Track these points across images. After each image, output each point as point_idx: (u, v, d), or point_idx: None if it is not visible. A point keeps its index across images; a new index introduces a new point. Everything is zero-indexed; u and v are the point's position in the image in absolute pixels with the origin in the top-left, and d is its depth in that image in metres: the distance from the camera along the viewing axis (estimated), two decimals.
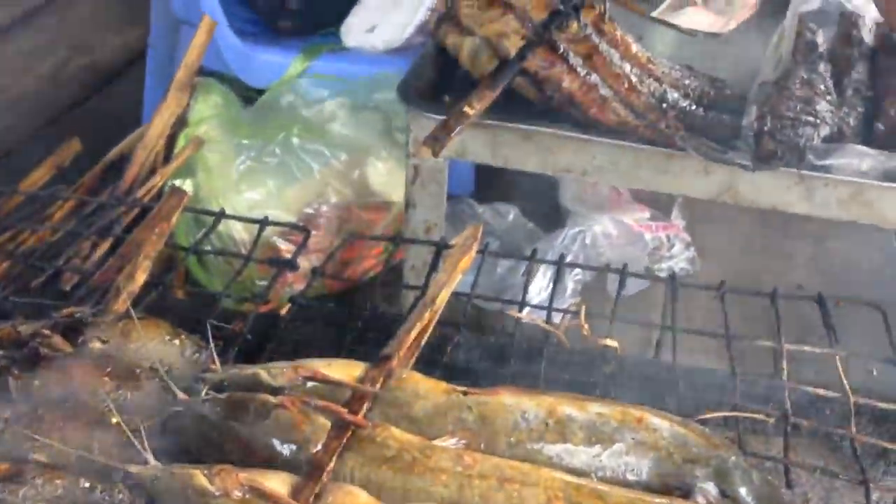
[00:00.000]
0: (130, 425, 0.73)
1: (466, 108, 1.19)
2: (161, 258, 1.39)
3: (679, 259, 1.83)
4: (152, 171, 1.63)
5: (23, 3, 2.68)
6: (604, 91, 1.31)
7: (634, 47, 1.45)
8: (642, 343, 1.54)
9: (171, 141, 1.68)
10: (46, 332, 0.82)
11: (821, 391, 0.92)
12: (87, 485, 0.68)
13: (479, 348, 0.98)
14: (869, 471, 0.88)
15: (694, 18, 1.74)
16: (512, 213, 1.92)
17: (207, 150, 1.60)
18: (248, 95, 1.86)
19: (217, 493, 0.68)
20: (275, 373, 0.79)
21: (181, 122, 1.68)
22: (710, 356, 1.13)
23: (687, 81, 1.46)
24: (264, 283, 1.51)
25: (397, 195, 1.67)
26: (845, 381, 0.92)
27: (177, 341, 0.84)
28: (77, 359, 0.79)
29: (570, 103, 1.32)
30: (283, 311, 0.99)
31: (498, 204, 1.95)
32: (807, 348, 0.97)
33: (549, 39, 1.33)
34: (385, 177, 1.63)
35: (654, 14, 1.75)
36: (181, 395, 0.77)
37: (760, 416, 0.89)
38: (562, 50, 1.32)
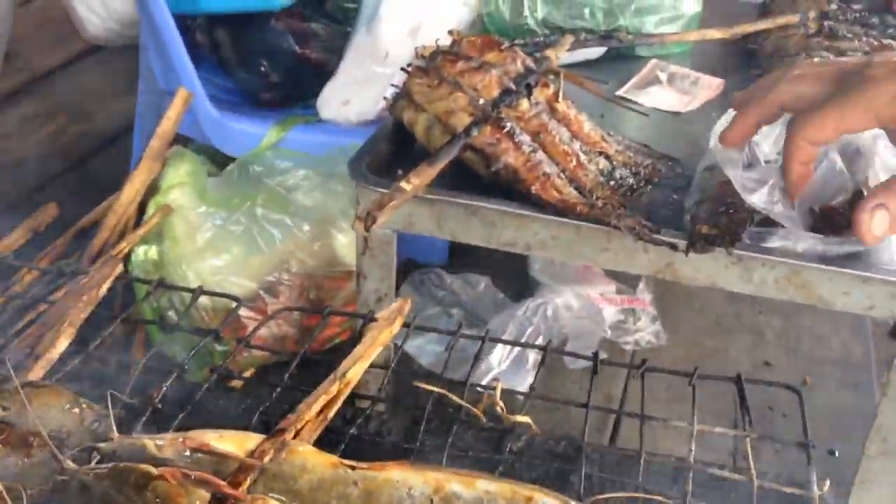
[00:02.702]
0: (14, 493, 0.75)
1: (403, 184, 1.21)
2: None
3: (645, 333, 1.83)
4: (122, 237, 1.67)
5: (32, 69, 2.80)
6: (547, 168, 1.34)
7: (587, 126, 1.47)
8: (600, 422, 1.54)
9: (142, 208, 1.73)
10: None
11: (725, 473, 0.92)
12: None
13: (391, 422, 0.99)
14: None
15: (657, 97, 1.77)
16: (482, 283, 1.94)
17: (175, 217, 1.64)
18: (227, 165, 1.91)
19: None
20: (161, 444, 0.81)
21: (153, 191, 1.73)
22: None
23: (639, 160, 1.48)
24: (224, 348, 1.53)
25: None
26: (752, 464, 0.92)
27: (77, 410, 0.85)
28: None
29: (514, 179, 1.34)
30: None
31: (469, 274, 1.97)
32: (718, 430, 0.97)
33: (497, 117, 1.36)
34: (347, 248, 1.66)
35: (620, 92, 1.79)
36: (67, 464, 0.79)
37: (659, 498, 0.89)
38: (508, 127, 1.35)
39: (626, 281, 1.89)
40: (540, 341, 1.70)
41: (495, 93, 1.42)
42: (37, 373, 0.93)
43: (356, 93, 1.87)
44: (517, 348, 1.64)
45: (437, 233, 1.38)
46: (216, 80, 2.02)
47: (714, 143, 1.31)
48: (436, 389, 1.02)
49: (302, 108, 2.00)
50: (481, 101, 1.39)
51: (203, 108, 1.84)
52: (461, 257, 2.08)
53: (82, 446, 0.82)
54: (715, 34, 2.02)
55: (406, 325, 1.10)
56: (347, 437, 0.94)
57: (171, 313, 1.59)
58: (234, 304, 1.14)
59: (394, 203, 1.20)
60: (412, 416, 1.01)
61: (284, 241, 1.60)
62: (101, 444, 0.82)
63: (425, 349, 1.69)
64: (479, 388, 1.04)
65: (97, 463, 0.80)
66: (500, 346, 1.65)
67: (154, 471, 0.77)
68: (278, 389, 1.01)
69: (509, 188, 1.38)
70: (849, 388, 1.77)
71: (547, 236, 1.33)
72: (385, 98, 1.60)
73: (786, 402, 1.12)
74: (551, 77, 1.50)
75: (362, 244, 1.42)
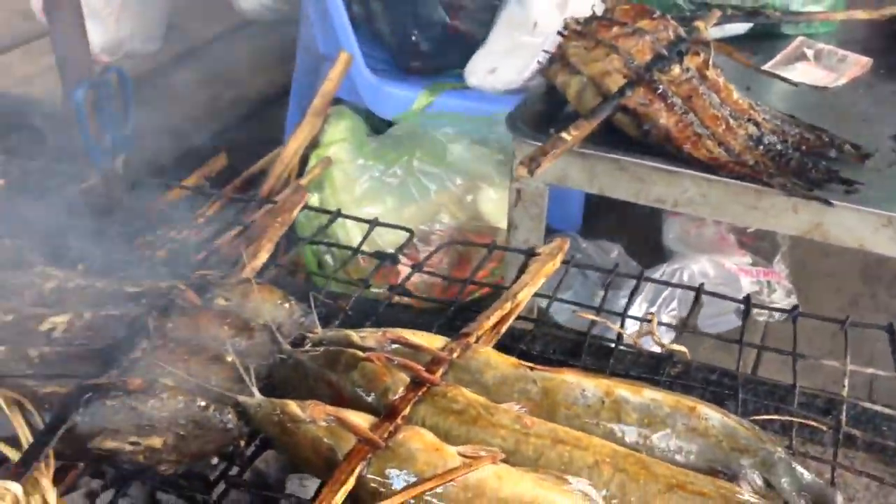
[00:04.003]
0: (242, 365, 0.87)
1: (564, 135, 1.29)
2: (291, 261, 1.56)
3: (779, 305, 1.85)
4: (285, 185, 1.81)
5: (189, 41, 3.00)
6: (699, 129, 1.39)
7: (736, 94, 1.52)
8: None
9: (303, 160, 1.86)
10: (182, 286, 0.96)
11: (878, 407, 0.96)
12: (202, 404, 0.81)
13: (555, 343, 1.07)
14: None
15: (805, 73, 1.79)
16: (615, 250, 1.99)
17: (335, 169, 1.76)
18: (376, 125, 2.03)
19: (307, 420, 0.80)
20: (364, 335, 0.91)
21: (314, 145, 1.86)
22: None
23: (787, 128, 1.51)
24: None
25: (504, 223, 1.79)
26: None
27: (287, 305, 0.97)
28: (204, 310, 0.94)
29: (665, 138, 1.40)
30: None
31: (603, 241, 2.03)
32: (870, 370, 1.01)
33: (651, 80, 1.42)
34: (495, 204, 1.75)
35: (766, 67, 1.81)
36: (286, 346, 0.90)
37: (813, 423, 0.94)
38: (661, 90, 1.41)
39: (761, 253, 1.92)
40: (674, 305, 1.76)
41: (648, 57, 1.49)
42: (244, 275, 1.05)
43: (503, 62, 1.96)
44: (654, 308, 1.69)
45: (588, 187, 1.45)
46: (368, 48, 2.14)
47: None
48: (596, 318, 1.10)
49: (446, 76, 2.10)
50: (635, 64, 1.45)
51: (360, 71, 1.96)
52: (594, 225, 2.14)
53: (294, 334, 0.93)
54: (862, 15, 2.02)
55: (566, 262, 1.19)
56: (517, 352, 1.03)
57: (327, 257, 1.71)
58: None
59: (555, 151, 1.28)
60: (573, 340, 1.09)
61: (438, 193, 1.70)
62: (311, 334, 0.94)
63: (563, 307, 1.75)
64: (634, 319, 1.11)
65: (307, 347, 0.91)
66: (636, 305, 1.71)
67: (362, 354, 0.87)
68: (452, 308, 1.10)
69: (658, 150, 1.45)
70: None
71: (696, 193, 1.38)
72: (538, 62, 1.69)
73: None
74: (701, 46, 1.55)
75: (515, 196, 1.50)
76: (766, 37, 1.95)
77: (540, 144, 1.39)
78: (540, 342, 1.07)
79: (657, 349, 1.09)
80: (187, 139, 2.50)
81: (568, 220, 2.09)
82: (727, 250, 1.89)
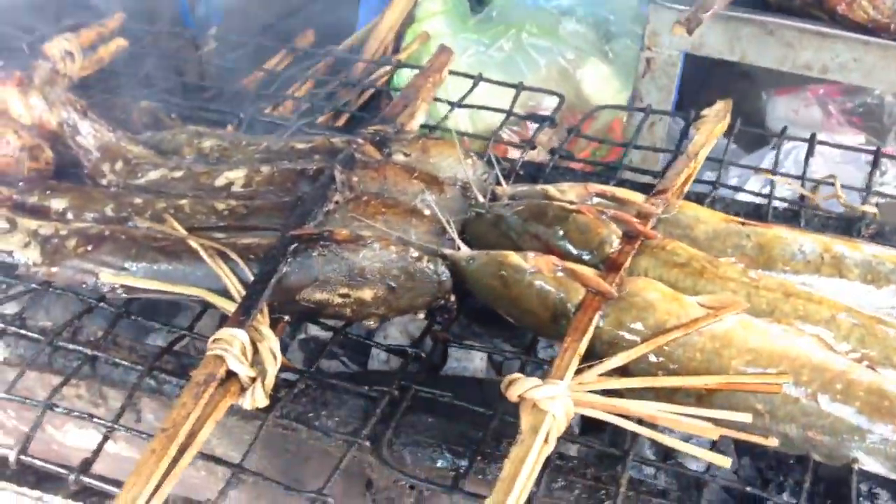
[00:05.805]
0: (444, 218, 0.82)
1: None
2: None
3: (890, 186, 1.78)
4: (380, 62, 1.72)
5: None
6: None
7: None
8: None
9: (398, 36, 1.77)
10: (360, 140, 0.91)
11: None
12: (415, 255, 0.77)
13: (735, 206, 1.02)
14: None
15: None
16: None
17: (434, 43, 1.68)
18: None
19: (531, 271, 0.75)
20: (564, 188, 0.86)
21: (409, 21, 1.77)
22: None
23: None
24: None
25: (605, 101, 1.71)
26: None
27: (469, 161, 0.91)
28: (388, 163, 0.88)
29: (815, 2, 1.32)
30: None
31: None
32: None
33: None
34: (601, 81, 1.66)
35: None
36: (483, 200, 0.85)
37: None
38: None
39: (872, 133, 1.85)
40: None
41: None
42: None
43: None
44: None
45: (728, 54, 1.37)
46: None
47: None
48: (774, 176, 1.04)
49: None
50: None
51: None
52: (687, 108, 2.05)
53: (483, 189, 0.88)
54: None
55: (731, 127, 1.13)
56: None
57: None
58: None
59: (714, 8, 1.20)
60: (751, 203, 1.03)
61: (548, 68, 1.62)
62: (500, 189, 0.89)
63: None
64: (813, 182, 1.06)
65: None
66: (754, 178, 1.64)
67: (571, 206, 0.82)
68: (617, 173, 1.05)
69: (799, 15, 1.36)
70: None
71: (849, 58, 1.31)
72: None
73: None
74: None
75: (644, 66, 1.43)
76: None
77: (678, 7, 1.32)
78: (719, 204, 1.02)
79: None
80: (258, 17, 2.40)
81: None
82: (837, 129, 1.81)
